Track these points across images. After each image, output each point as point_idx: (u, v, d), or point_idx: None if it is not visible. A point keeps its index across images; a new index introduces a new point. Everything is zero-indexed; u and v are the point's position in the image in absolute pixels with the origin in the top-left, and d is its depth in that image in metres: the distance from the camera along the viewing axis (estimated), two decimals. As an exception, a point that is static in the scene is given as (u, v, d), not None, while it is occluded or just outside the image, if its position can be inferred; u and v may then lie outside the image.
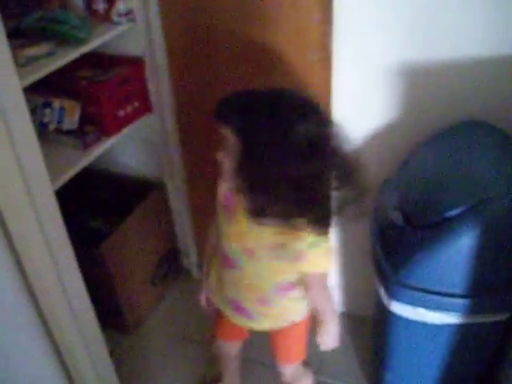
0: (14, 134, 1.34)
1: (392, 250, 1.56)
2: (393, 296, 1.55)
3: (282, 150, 1.20)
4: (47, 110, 1.85)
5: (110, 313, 2.17)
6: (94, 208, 2.23)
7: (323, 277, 1.49)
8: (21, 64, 1.60)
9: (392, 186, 1.69)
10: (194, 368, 2.18)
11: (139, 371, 2.21)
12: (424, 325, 1.57)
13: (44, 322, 1.43)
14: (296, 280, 1.48)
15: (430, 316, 1.54)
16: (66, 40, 1.76)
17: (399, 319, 1.59)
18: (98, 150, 1.90)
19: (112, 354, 1.98)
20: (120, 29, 1.93)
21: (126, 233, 2.11)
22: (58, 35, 1.75)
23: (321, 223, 1.29)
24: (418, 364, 1.73)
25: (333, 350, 1.57)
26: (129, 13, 1.94)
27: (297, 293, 1.52)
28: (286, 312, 1.58)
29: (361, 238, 1.97)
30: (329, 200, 1.30)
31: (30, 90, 1.51)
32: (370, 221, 1.72)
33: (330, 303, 1.57)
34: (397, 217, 1.56)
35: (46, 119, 1.85)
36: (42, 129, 1.82)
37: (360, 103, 1.79)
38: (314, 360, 2.14)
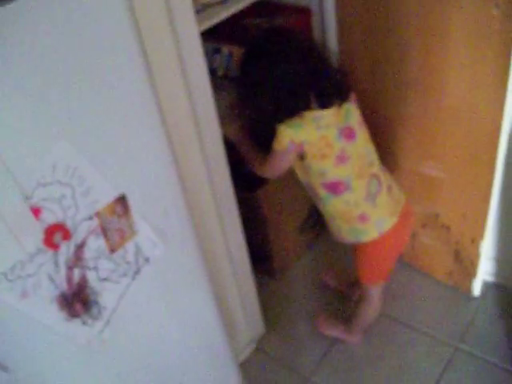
0: (189, 77, 1.41)
1: None
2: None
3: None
4: (217, 56, 1.92)
5: (260, 256, 2.25)
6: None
7: None
8: (196, 10, 1.66)
9: None
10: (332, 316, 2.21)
11: (281, 313, 2.28)
12: None
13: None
14: None
15: None
16: (238, -13, 1.79)
17: None
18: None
19: (259, 294, 2.08)
20: (290, -23, 1.93)
21: (283, 180, 2.14)
22: (230, -17, 1.79)
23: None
24: None
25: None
26: (300, -39, 1.93)
27: None
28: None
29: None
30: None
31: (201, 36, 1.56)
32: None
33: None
34: None
35: (215, 65, 1.92)
36: (210, 74, 1.89)
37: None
38: (459, 328, 2.10)
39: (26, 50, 0.86)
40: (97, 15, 0.95)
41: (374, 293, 1.90)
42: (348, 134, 1.58)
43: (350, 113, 1.61)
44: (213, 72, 1.93)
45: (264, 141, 1.63)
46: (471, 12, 1.59)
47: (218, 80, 1.93)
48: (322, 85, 1.57)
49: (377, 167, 1.69)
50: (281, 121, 1.54)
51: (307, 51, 1.59)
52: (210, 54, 1.92)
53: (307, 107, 1.55)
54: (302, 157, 1.57)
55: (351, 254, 1.86)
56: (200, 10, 1.66)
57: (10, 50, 0.84)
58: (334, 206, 1.67)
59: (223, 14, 1.68)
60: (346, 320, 2.10)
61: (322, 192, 1.64)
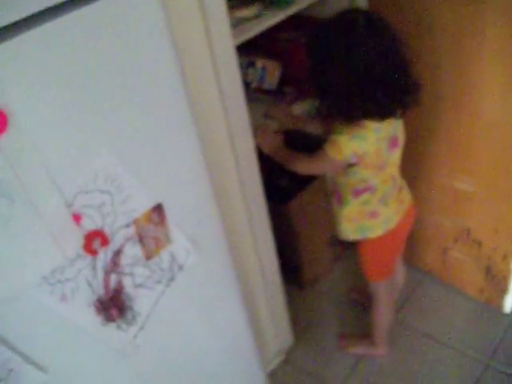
0: (224, 89, 1.44)
1: None
2: None
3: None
4: (250, 70, 1.95)
5: (290, 268, 2.26)
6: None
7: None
8: (231, 25, 1.69)
9: None
10: (358, 329, 2.22)
11: (310, 325, 2.29)
12: None
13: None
14: None
15: None
16: (272, 2, 1.80)
17: None
18: (295, 111, 1.95)
19: (288, 305, 2.09)
20: (324, -8, 1.95)
21: (314, 192, 2.16)
22: (266, -3, 1.81)
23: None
24: None
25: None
26: (334, -24, 1.95)
27: None
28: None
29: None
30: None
31: (236, 50, 1.59)
32: None
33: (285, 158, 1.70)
34: None
35: (248, 78, 1.95)
36: (244, 87, 1.92)
37: None
38: (490, 344, 2.08)
39: (79, 66, 0.90)
40: (138, 30, 0.98)
41: (382, 291, 1.91)
42: (393, 143, 1.56)
43: (399, 122, 1.58)
44: (246, 85, 1.96)
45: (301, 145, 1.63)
46: (505, 27, 1.59)
47: (251, 92, 1.96)
48: (401, 94, 1.46)
49: (397, 169, 1.69)
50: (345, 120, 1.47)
51: (397, 48, 1.42)
52: (245, 67, 1.96)
53: (381, 114, 1.45)
54: (352, 164, 1.54)
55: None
56: (235, 25, 1.69)
57: (62, 66, 0.88)
58: (350, 208, 1.67)
59: (258, 28, 1.71)
60: (368, 335, 2.10)
61: (348, 196, 1.64)
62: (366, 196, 1.63)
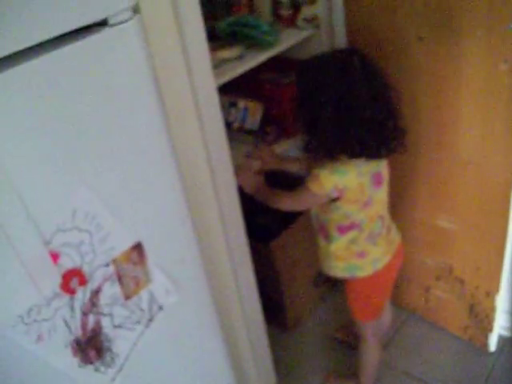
0: (206, 129, 1.44)
1: None
2: None
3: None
4: (232, 110, 1.97)
5: (272, 309, 2.24)
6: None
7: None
8: (214, 65, 1.71)
9: None
10: (343, 370, 2.19)
11: (293, 367, 2.26)
12: None
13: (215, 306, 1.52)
14: None
15: None
16: (254, 44, 1.84)
17: None
18: (277, 150, 1.96)
19: (271, 347, 2.06)
20: (304, 34, 1.99)
21: (297, 232, 2.16)
22: (247, 39, 1.84)
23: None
24: None
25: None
26: (314, 19, 1.99)
27: None
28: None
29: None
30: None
31: (218, 90, 1.61)
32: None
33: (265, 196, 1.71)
34: None
35: (230, 118, 1.97)
36: (226, 127, 1.94)
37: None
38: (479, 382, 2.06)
39: (58, 105, 0.90)
40: (118, 70, 0.99)
41: (370, 331, 1.89)
42: (377, 180, 1.58)
43: (383, 159, 1.60)
44: (228, 125, 1.98)
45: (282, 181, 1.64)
46: (480, 67, 1.63)
47: (233, 132, 1.98)
48: (388, 138, 1.50)
49: (385, 209, 1.70)
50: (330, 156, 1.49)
51: (387, 92, 1.48)
52: (227, 108, 1.98)
53: (367, 155, 1.49)
54: (334, 199, 1.55)
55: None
56: (217, 65, 1.71)
57: (39, 104, 0.88)
58: (338, 245, 1.66)
59: (240, 69, 1.74)
60: (355, 375, 2.07)
61: (334, 232, 1.65)
62: (352, 234, 1.63)
